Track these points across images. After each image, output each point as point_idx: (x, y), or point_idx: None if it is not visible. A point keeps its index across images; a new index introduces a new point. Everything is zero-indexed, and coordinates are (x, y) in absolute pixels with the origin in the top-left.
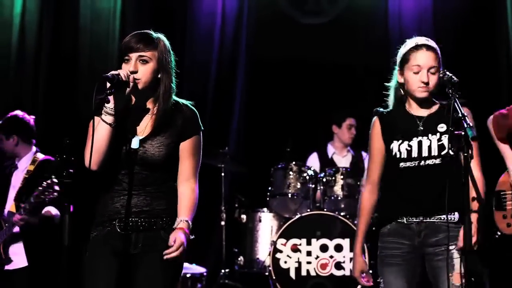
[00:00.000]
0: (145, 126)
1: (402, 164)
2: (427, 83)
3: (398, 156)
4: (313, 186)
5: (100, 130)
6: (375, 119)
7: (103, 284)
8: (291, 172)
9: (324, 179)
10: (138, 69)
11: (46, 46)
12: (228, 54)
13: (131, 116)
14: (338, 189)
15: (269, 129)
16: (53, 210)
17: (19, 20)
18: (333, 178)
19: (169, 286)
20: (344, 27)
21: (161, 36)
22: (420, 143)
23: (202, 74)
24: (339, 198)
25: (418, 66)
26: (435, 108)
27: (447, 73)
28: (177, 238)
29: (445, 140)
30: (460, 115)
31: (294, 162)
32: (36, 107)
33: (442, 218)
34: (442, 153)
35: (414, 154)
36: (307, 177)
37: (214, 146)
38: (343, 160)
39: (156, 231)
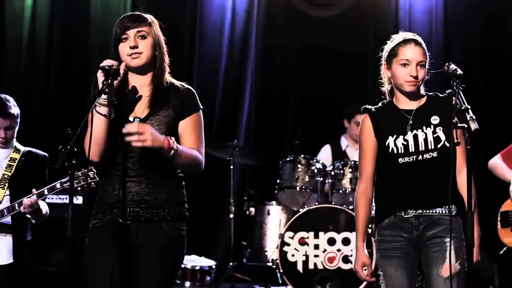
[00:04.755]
0: (143, 108)
1: (400, 160)
2: (416, 77)
3: (395, 151)
4: (322, 179)
5: (97, 122)
6: (365, 116)
7: (102, 275)
8: (299, 165)
9: (333, 172)
10: (138, 44)
11: (57, 39)
12: (238, 47)
13: (128, 99)
14: (346, 182)
15: (278, 122)
16: (43, 207)
17: (30, 12)
18: (342, 171)
19: (167, 281)
20: (354, 19)
21: (151, 16)
22: (415, 137)
23: (212, 67)
24: (347, 191)
25: (407, 60)
26: (423, 100)
27: (452, 65)
28: (148, 129)
29: (440, 132)
30: (463, 107)
31: (302, 155)
32: (47, 99)
33: (439, 211)
34: (439, 145)
35: (412, 148)
36: (316, 170)
37: (223, 139)
38: (356, 153)
39: (157, 223)
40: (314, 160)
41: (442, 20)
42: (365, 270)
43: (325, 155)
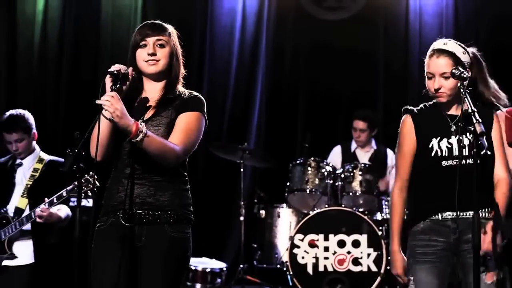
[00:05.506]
0: (148, 111)
1: (444, 163)
2: (437, 90)
3: (439, 154)
4: (332, 181)
5: (102, 125)
6: (406, 116)
7: (107, 277)
8: (309, 168)
9: (343, 175)
10: (156, 52)
11: (68, 43)
12: (248, 50)
13: (137, 104)
14: (356, 185)
15: (288, 124)
16: (64, 210)
17: (41, 17)
18: (352, 174)
19: (172, 284)
20: (364, 22)
21: (171, 27)
22: (460, 141)
23: (223, 70)
24: (357, 194)
25: (430, 73)
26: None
27: (459, 68)
28: (120, 105)
29: (482, 140)
30: (470, 110)
31: (312, 158)
32: (58, 103)
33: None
34: (481, 152)
35: (455, 152)
36: (326, 173)
37: (233, 141)
38: (365, 155)
39: (160, 225)
40: (324, 163)
41: (452, 23)
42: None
43: (335, 156)
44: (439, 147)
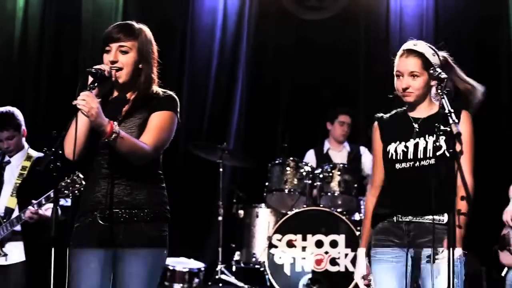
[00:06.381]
0: (121, 113)
1: (397, 165)
2: (405, 89)
3: (394, 157)
4: (310, 182)
5: (79, 123)
6: (375, 123)
7: (85, 277)
8: (288, 168)
9: (321, 175)
10: (118, 59)
11: (49, 40)
12: (229, 50)
13: (110, 106)
14: (335, 185)
15: (268, 125)
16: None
17: (22, 14)
18: (330, 174)
19: (149, 282)
20: (345, 23)
21: (144, 27)
22: (416, 145)
23: (203, 70)
24: (336, 194)
25: (399, 72)
26: (435, 109)
27: (437, 69)
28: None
29: (441, 141)
30: (446, 111)
31: (291, 158)
32: (38, 101)
33: (431, 219)
34: (438, 153)
35: (410, 155)
36: (304, 173)
37: (213, 141)
38: (338, 155)
39: (137, 224)
40: (303, 163)
41: (432, 24)
42: (363, 280)
43: (309, 159)
44: (395, 150)
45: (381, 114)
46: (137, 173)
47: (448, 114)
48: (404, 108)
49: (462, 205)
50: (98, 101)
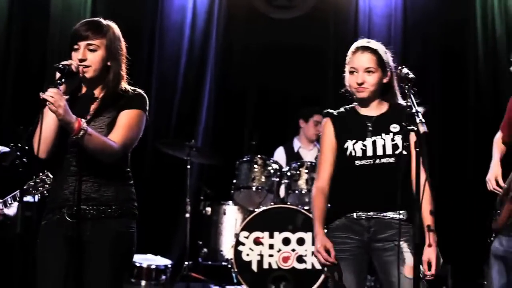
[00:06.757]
0: (90, 111)
1: (357, 162)
2: (360, 84)
3: (353, 154)
4: (278, 179)
5: (47, 120)
6: (327, 119)
7: (53, 274)
8: (256, 166)
9: (289, 173)
10: (86, 57)
11: (16, 34)
12: (198, 48)
13: (79, 103)
14: (302, 183)
15: (236, 122)
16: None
17: None
18: (298, 172)
19: (117, 278)
20: (314, 22)
21: (112, 24)
22: (374, 143)
23: (172, 67)
24: (303, 192)
25: (353, 68)
26: (384, 108)
27: (404, 68)
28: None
29: (398, 140)
30: (413, 110)
31: (259, 156)
32: (4, 95)
33: (391, 216)
34: (396, 152)
35: (369, 153)
36: (272, 171)
37: (181, 138)
38: (309, 154)
39: (104, 220)
40: (271, 161)
41: (401, 25)
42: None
43: (279, 156)
44: (353, 148)
45: (332, 111)
46: (105, 170)
47: (415, 114)
48: (353, 105)
49: (430, 203)
50: (66, 98)
